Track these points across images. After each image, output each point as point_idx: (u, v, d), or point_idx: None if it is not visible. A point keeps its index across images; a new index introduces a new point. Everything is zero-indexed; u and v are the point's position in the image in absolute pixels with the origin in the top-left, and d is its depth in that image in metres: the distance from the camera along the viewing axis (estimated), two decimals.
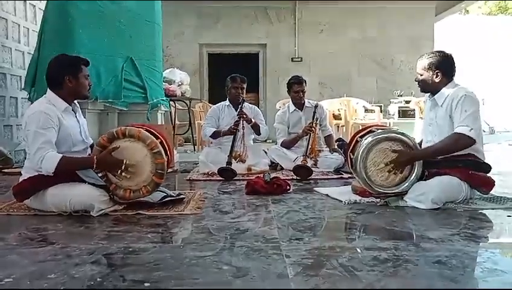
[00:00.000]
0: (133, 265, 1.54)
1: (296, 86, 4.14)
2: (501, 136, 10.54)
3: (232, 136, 3.71)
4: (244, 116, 3.82)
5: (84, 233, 1.99)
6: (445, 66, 2.59)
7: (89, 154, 2.48)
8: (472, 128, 2.41)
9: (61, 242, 1.82)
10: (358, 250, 1.69)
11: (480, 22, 13.89)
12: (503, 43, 13.34)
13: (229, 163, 3.52)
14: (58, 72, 2.43)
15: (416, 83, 2.72)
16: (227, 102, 4.15)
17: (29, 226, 2.09)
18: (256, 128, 4.00)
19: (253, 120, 3.95)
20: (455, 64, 2.63)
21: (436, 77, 2.60)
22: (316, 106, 4.09)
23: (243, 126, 3.75)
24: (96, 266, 1.52)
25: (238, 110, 3.88)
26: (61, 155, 2.26)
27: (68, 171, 2.30)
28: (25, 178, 2.38)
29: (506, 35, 13.43)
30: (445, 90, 2.59)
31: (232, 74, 4.12)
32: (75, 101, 2.58)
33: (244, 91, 4.08)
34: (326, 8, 8.66)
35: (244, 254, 1.65)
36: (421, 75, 2.66)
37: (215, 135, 3.97)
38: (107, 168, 2.33)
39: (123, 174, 2.31)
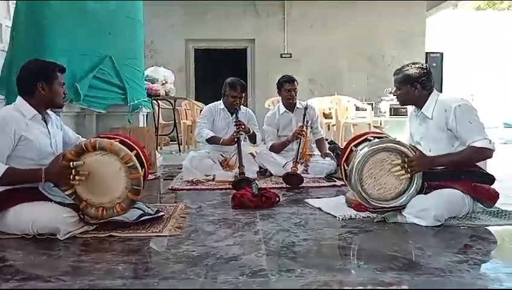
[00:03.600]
0: None
1: (287, 85, 3.88)
2: (491, 132, 10.49)
3: (236, 145, 3.51)
4: (243, 126, 3.58)
5: (45, 264, 1.74)
6: (422, 78, 2.47)
7: None
8: (489, 140, 2.30)
9: (17, 278, 1.57)
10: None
11: (470, 17, 13.82)
12: (493, 38, 13.30)
13: (242, 173, 3.28)
14: (30, 78, 2.19)
15: (395, 97, 2.62)
16: (221, 105, 3.89)
17: None
18: (252, 138, 3.80)
19: (251, 130, 3.73)
20: (432, 75, 2.53)
21: (415, 90, 2.48)
22: (306, 108, 3.86)
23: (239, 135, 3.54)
24: None
25: (235, 119, 3.63)
26: (6, 166, 2.03)
27: (13, 184, 2.07)
28: None
29: (495, 30, 13.39)
30: (431, 102, 2.47)
31: (232, 79, 3.81)
32: (49, 112, 2.33)
33: (242, 100, 3.82)
34: (316, 3, 8.41)
35: None
36: (399, 89, 2.55)
37: (212, 141, 3.72)
38: (57, 179, 2.09)
39: (77, 178, 2.05)
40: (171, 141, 7.31)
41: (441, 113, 2.40)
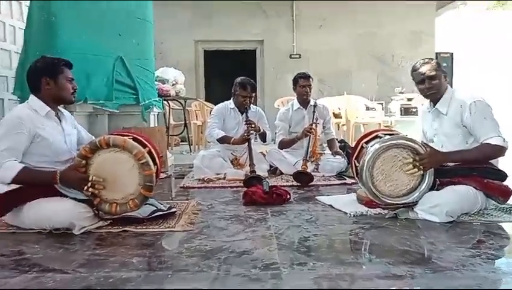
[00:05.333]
0: None
1: (302, 81, 3.91)
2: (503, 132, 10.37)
3: (247, 144, 3.53)
4: (253, 125, 3.61)
5: (62, 257, 1.78)
6: (443, 69, 2.51)
7: None
8: (504, 138, 2.30)
9: (35, 270, 1.61)
10: (366, 284, 1.49)
11: (480, 17, 13.68)
12: (503, 38, 13.15)
13: (253, 171, 3.30)
14: (36, 74, 2.25)
15: (428, 89, 2.48)
16: (231, 104, 3.91)
17: (3, 248, 1.88)
18: (262, 136, 3.82)
19: (261, 129, 3.75)
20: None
21: (445, 80, 2.49)
22: (314, 105, 3.87)
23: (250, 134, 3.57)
24: None
25: (245, 119, 3.67)
26: (22, 166, 2.07)
27: (27, 183, 2.10)
28: (2, 192, 2.17)
29: (505, 30, 13.23)
30: (447, 96, 2.46)
31: (242, 79, 3.83)
32: (62, 109, 2.38)
33: (252, 100, 3.85)
34: (324, 3, 8.41)
35: (240, 285, 1.45)
36: (433, 78, 2.46)
37: (223, 140, 3.75)
38: (71, 185, 2.13)
39: (90, 190, 2.09)
40: (181, 141, 7.36)
41: (457, 109, 2.39)
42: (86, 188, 2.07)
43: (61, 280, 1.51)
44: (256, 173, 3.26)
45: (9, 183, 2.07)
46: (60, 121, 2.35)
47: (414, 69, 2.55)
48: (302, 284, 1.45)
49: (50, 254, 1.82)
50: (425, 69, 2.49)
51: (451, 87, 2.59)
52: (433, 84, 2.47)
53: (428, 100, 2.60)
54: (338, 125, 6.64)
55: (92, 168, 2.15)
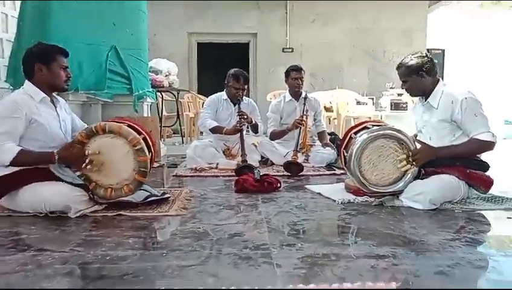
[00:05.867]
0: (109, 277, 1.40)
1: (294, 73, 3.99)
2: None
3: (239, 135, 3.61)
4: (245, 116, 3.67)
5: (59, 238, 1.84)
6: (426, 66, 2.51)
7: None
8: (493, 133, 2.37)
9: (33, 249, 1.67)
10: (351, 263, 1.57)
11: (472, 14, 13.82)
12: (495, 36, 13.31)
13: (244, 161, 3.38)
14: (30, 59, 2.29)
15: (404, 90, 2.64)
16: (224, 96, 3.96)
17: (0, 229, 1.93)
18: (254, 127, 3.89)
19: (253, 120, 3.82)
20: (434, 62, 2.57)
21: (422, 79, 2.52)
22: (305, 97, 3.95)
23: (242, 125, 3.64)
24: (69, 278, 1.39)
25: (238, 110, 3.73)
26: (20, 148, 2.12)
27: (26, 165, 2.15)
28: None
29: (497, 28, 13.40)
30: (437, 92, 2.52)
31: (235, 71, 3.88)
32: (57, 96, 2.42)
33: (245, 92, 3.91)
34: None
35: (231, 263, 1.52)
36: (406, 82, 2.58)
37: (215, 130, 3.81)
38: (69, 163, 2.19)
39: (88, 167, 2.15)
40: (173, 133, 7.39)
41: (447, 104, 2.45)
42: (83, 165, 2.12)
43: (59, 257, 1.57)
44: (248, 163, 3.33)
45: (7, 166, 2.11)
46: (55, 107, 2.38)
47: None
48: (290, 262, 1.52)
49: (47, 234, 1.87)
50: (398, 74, 2.60)
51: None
52: (406, 86, 2.59)
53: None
54: (329, 119, 6.73)
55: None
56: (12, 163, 2.12)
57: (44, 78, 2.27)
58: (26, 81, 2.32)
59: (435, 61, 2.61)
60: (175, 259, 1.56)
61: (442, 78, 2.65)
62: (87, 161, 2.16)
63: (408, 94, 2.68)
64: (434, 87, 2.53)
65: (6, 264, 1.51)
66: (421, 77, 2.52)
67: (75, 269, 1.47)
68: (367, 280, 1.36)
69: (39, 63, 2.27)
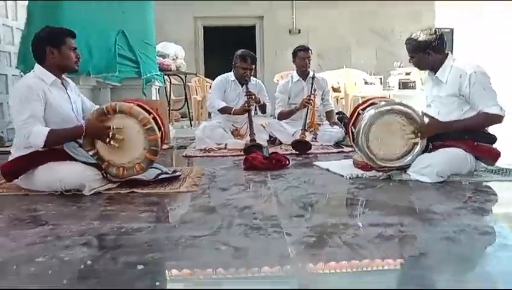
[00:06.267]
0: (125, 246, 1.46)
1: (302, 53, 4.01)
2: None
3: (247, 115, 3.62)
4: (253, 96, 3.69)
5: (75, 213, 1.90)
6: (433, 43, 2.50)
7: None
8: (501, 107, 2.37)
9: (51, 223, 1.73)
10: (359, 230, 1.61)
11: (478, 10, 13.48)
12: (506, 14, 13.00)
13: (253, 140, 3.40)
14: (40, 43, 2.32)
15: (411, 64, 2.67)
16: (232, 76, 3.98)
17: (19, 207, 2.00)
18: (262, 108, 3.90)
19: (261, 100, 3.83)
20: (444, 38, 2.55)
21: (429, 56, 2.52)
22: (313, 77, 3.96)
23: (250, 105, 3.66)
24: (87, 248, 1.45)
25: (245, 90, 3.74)
26: (48, 128, 2.17)
27: (58, 143, 2.22)
28: (14, 157, 2.29)
29: (508, 6, 13.07)
30: (446, 66, 2.51)
31: (242, 51, 3.89)
32: (67, 78, 2.46)
33: (252, 72, 3.92)
34: None
35: (242, 233, 1.57)
36: (412, 58, 2.59)
37: (224, 111, 3.84)
38: (95, 136, 2.25)
39: (112, 142, 2.21)
40: (181, 117, 7.44)
41: (456, 78, 2.44)
42: (108, 138, 2.20)
43: (76, 230, 1.63)
44: (257, 142, 3.37)
45: (43, 147, 2.16)
46: (66, 89, 2.43)
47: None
48: (300, 231, 1.57)
49: (63, 210, 1.94)
50: (407, 48, 2.60)
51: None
52: (413, 61, 2.60)
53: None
54: (337, 99, 6.71)
55: None
56: (46, 144, 2.16)
57: (55, 61, 2.31)
58: (37, 65, 2.36)
59: (445, 38, 2.58)
60: (187, 230, 1.61)
61: None
62: (110, 134, 2.21)
63: (415, 67, 2.68)
64: (443, 62, 2.52)
65: (27, 236, 1.58)
66: (428, 54, 2.51)
67: (93, 240, 1.53)
68: (374, 246, 1.40)
69: (50, 46, 2.30)
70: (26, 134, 2.13)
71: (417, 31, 2.59)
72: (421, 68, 2.65)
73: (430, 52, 2.50)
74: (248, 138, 3.56)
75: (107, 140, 2.22)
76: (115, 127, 2.22)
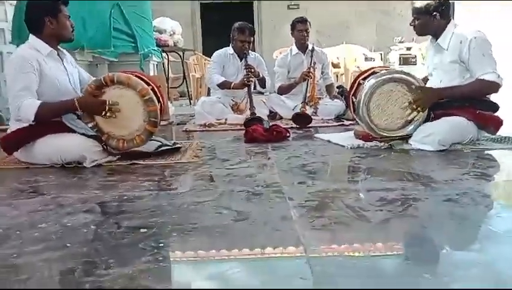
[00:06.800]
0: (128, 212, 1.46)
1: (300, 25, 3.95)
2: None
3: (246, 88, 3.58)
4: (252, 70, 3.64)
5: (77, 184, 1.90)
6: (441, 7, 2.45)
7: None
8: (498, 74, 2.33)
9: (53, 193, 1.73)
10: (361, 195, 1.61)
11: (475, 10, 13.21)
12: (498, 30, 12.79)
13: (253, 114, 3.37)
14: (38, 14, 2.26)
15: (412, 27, 2.58)
16: (230, 50, 3.93)
17: (19, 179, 1.99)
18: (262, 82, 3.85)
19: (260, 74, 3.78)
20: (450, 5, 2.51)
21: (434, 20, 2.47)
22: (312, 50, 3.90)
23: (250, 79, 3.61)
24: (89, 215, 1.45)
25: (244, 63, 3.69)
26: (40, 102, 2.13)
27: (49, 117, 2.18)
28: (13, 130, 2.26)
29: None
30: (448, 32, 2.47)
31: (240, 24, 3.83)
32: (63, 50, 2.42)
33: (251, 44, 3.87)
34: None
35: (244, 198, 1.57)
36: (418, 19, 2.52)
37: (223, 85, 3.79)
38: (90, 110, 2.20)
39: (108, 114, 2.17)
40: (180, 96, 7.38)
41: (456, 44, 2.41)
42: (103, 113, 2.15)
43: (78, 198, 1.62)
44: (257, 115, 3.34)
45: (33, 121, 2.12)
46: (62, 61, 2.39)
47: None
48: (302, 196, 1.56)
49: (65, 181, 1.94)
50: (414, 8, 2.52)
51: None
52: (417, 24, 2.53)
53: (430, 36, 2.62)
54: (336, 75, 6.64)
55: None
56: (36, 117, 2.11)
57: (54, 31, 2.26)
58: (31, 36, 2.30)
59: (450, 5, 2.54)
60: (189, 197, 1.61)
61: None
62: (106, 108, 2.17)
63: (415, 32, 2.60)
64: (445, 29, 2.48)
65: (28, 205, 1.57)
66: (434, 18, 2.46)
67: (95, 207, 1.53)
68: (377, 208, 1.40)
69: (48, 16, 2.25)
70: (16, 106, 2.10)
71: None
72: (422, 33, 2.59)
73: (436, 15, 2.45)
74: (248, 113, 3.53)
75: (103, 113, 2.17)
76: (110, 101, 2.18)
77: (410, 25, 2.59)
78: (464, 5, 9.35)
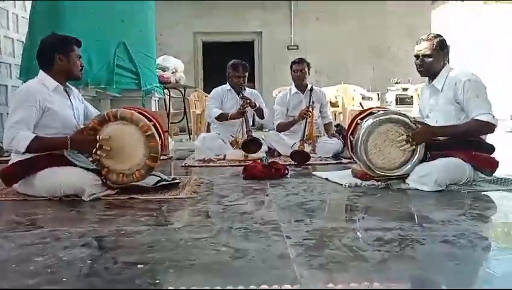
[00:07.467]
0: (125, 247, 1.45)
1: (295, 66, 4.11)
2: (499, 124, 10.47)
3: (242, 118, 3.70)
4: (248, 100, 3.76)
5: (74, 217, 1.90)
6: (447, 48, 2.56)
7: None
8: (493, 115, 2.39)
9: (50, 226, 1.73)
10: (359, 234, 1.61)
11: (478, 10, 13.73)
12: (501, 31, 13.23)
13: (250, 135, 3.50)
14: (49, 50, 2.36)
15: (419, 66, 2.59)
16: (227, 86, 4.09)
17: (17, 211, 1.99)
18: (259, 112, 3.96)
19: (257, 104, 3.90)
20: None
21: (444, 58, 2.55)
22: (311, 89, 4.01)
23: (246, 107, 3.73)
24: (86, 249, 1.44)
25: (241, 95, 3.84)
26: (34, 135, 2.18)
27: (40, 151, 2.22)
28: (14, 162, 2.29)
29: (503, 23, 13.30)
30: (443, 74, 2.55)
31: (234, 61, 4.03)
32: (71, 86, 2.49)
33: (246, 79, 4.03)
34: None
35: (242, 235, 1.57)
36: (430, 56, 2.54)
37: (221, 117, 3.90)
38: (81, 148, 2.25)
39: (98, 152, 2.20)
40: (180, 131, 7.45)
41: (451, 85, 2.48)
42: (94, 150, 2.18)
43: (75, 232, 1.62)
44: (254, 136, 3.41)
45: (23, 153, 2.17)
46: (69, 96, 2.45)
47: (416, 42, 2.63)
48: (300, 234, 1.57)
49: (63, 214, 1.94)
50: (422, 46, 2.56)
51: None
52: (425, 62, 2.56)
53: (427, 77, 2.69)
54: (335, 114, 6.75)
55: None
56: (28, 149, 2.17)
57: (63, 68, 2.35)
58: (41, 71, 2.39)
59: None
60: (187, 233, 1.61)
61: None
62: (97, 145, 2.20)
63: (419, 69, 2.60)
64: (440, 71, 2.57)
65: (25, 237, 1.57)
66: (445, 54, 2.54)
67: (92, 241, 1.52)
68: (374, 248, 1.40)
69: (59, 53, 2.34)
70: (11, 136, 2.15)
71: (428, 34, 2.60)
72: (427, 71, 2.58)
73: (447, 52, 2.54)
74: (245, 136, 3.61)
75: (94, 151, 2.20)
76: (101, 137, 2.21)
77: (416, 64, 2.60)
78: (466, 5, 9.61)
